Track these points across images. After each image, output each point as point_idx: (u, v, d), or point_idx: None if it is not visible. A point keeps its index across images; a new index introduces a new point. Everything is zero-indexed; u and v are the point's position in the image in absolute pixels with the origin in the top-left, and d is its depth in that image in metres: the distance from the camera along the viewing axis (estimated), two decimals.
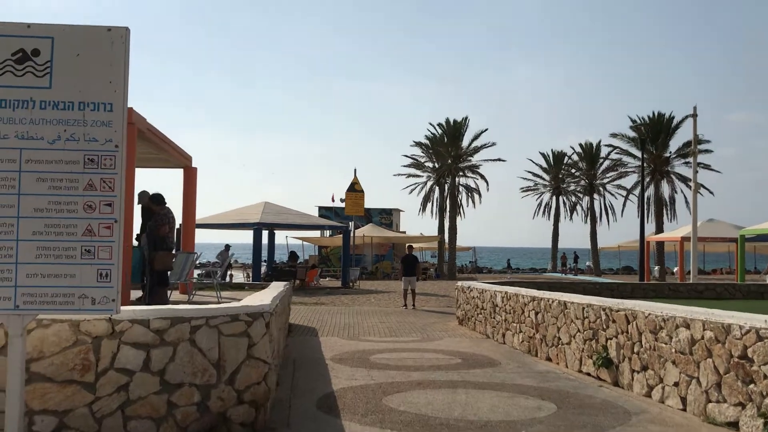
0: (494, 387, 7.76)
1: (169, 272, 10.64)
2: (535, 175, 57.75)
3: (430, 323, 15.18)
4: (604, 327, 8.17)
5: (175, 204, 13.11)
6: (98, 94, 4.35)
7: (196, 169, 13.02)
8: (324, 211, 46.31)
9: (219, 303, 9.26)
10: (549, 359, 9.71)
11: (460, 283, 15.31)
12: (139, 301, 10.70)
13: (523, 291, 11.06)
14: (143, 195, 10.92)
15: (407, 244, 22.26)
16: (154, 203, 10.54)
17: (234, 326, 5.25)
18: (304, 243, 47.53)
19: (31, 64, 4.31)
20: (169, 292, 11.19)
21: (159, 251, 10.25)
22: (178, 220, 12.65)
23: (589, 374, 8.54)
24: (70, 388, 4.75)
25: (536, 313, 10.22)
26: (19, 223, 4.20)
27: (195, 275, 33.53)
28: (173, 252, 10.75)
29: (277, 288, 10.31)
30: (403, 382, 7.99)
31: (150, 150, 11.87)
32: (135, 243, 10.99)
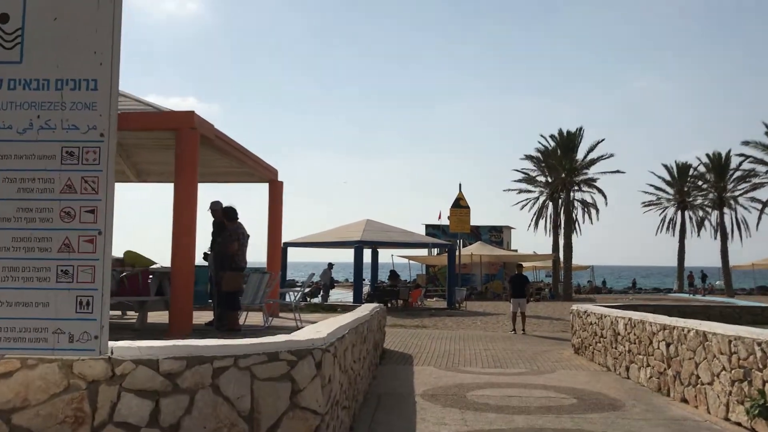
0: None
1: (240, 295, 9.74)
2: (657, 188, 53.95)
3: (541, 351, 13.55)
4: (761, 366, 6.41)
5: (260, 220, 12.33)
6: (80, 69, 3.38)
7: (281, 183, 12.18)
8: (431, 230, 44.96)
9: (299, 328, 8.29)
10: (685, 401, 7.96)
11: (575, 307, 13.60)
12: (208, 326, 9.86)
13: (651, 317, 9.32)
14: (216, 206, 10.10)
15: (517, 263, 20.55)
16: (226, 218, 9.69)
17: (272, 368, 4.10)
18: (411, 262, 46.36)
19: None
20: (242, 314, 10.29)
21: (227, 271, 9.36)
22: (263, 237, 11.86)
23: (739, 424, 6.78)
24: None
25: (667, 345, 8.49)
26: None
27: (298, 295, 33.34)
28: (243, 272, 9.85)
29: (359, 312, 9.17)
30: (504, 429, 6.58)
31: (230, 163, 11.12)
32: (203, 261, 10.23)
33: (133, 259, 10.24)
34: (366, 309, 10.39)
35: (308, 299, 29.50)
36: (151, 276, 10.03)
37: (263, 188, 12.14)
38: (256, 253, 12.16)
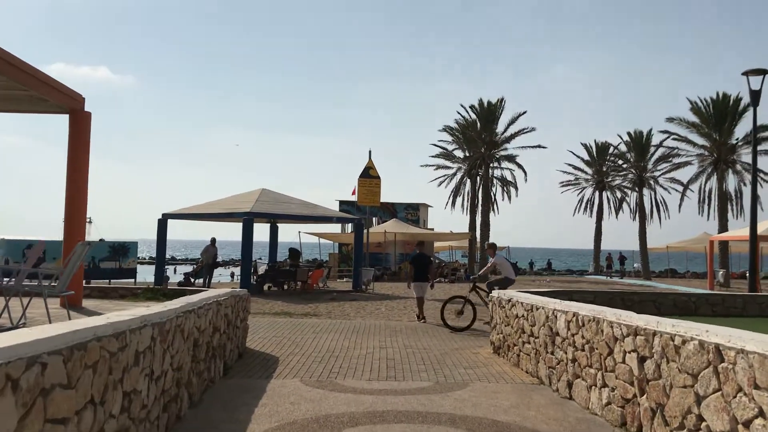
0: None
1: None
2: (576, 168, 52.39)
3: (451, 350, 10.49)
4: None
5: (57, 161, 8.62)
6: None
7: (89, 114, 8.50)
8: (345, 206, 41.66)
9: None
10: None
11: (495, 294, 10.58)
12: None
13: (609, 314, 6.30)
14: None
15: (417, 241, 16.95)
16: None
17: None
18: (321, 240, 42.90)
19: None
20: None
21: None
22: (61, 187, 8.24)
23: None
24: None
25: (641, 359, 5.48)
26: None
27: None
28: None
29: (176, 303, 5.79)
30: None
31: (7, 82, 7.40)
32: None
33: None
34: (200, 296, 6.98)
35: (193, 280, 25.71)
36: None
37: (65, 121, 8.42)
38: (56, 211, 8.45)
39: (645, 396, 5.41)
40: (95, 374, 3.62)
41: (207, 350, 7.05)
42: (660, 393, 5.14)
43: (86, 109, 8.44)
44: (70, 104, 8.21)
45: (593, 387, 6.50)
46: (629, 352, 5.73)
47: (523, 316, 8.87)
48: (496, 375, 8.46)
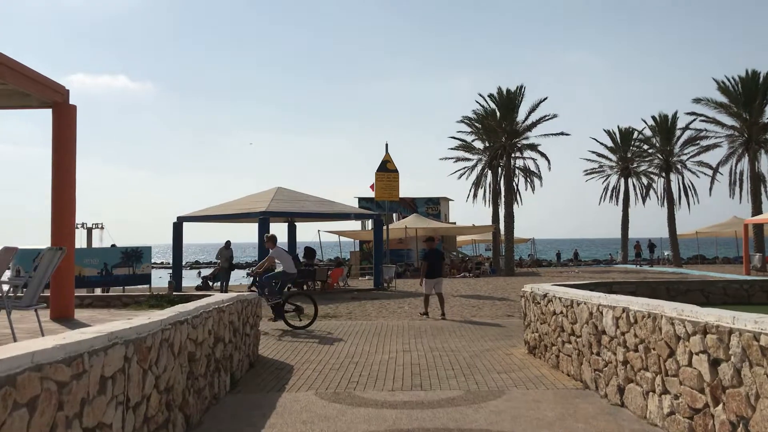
0: None
1: None
2: (600, 155, 51.04)
3: (482, 351, 9.62)
4: None
5: (41, 158, 7.90)
6: None
7: (74, 108, 7.72)
8: (364, 203, 40.85)
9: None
10: None
11: (529, 288, 9.66)
12: None
13: (667, 308, 5.40)
14: None
15: (426, 237, 16.15)
16: None
17: None
18: (342, 238, 42.09)
19: None
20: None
21: None
22: (47, 182, 7.50)
23: None
24: None
25: (713, 363, 4.59)
26: None
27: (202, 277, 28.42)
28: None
29: (171, 312, 5.00)
30: None
31: None
32: None
33: None
34: (205, 302, 6.20)
35: (211, 283, 25.06)
36: None
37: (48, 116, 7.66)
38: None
39: (721, 406, 4.51)
40: (34, 414, 2.82)
41: (208, 364, 6.26)
42: (742, 404, 4.24)
43: (71, 101, 7.69)
44: (52, 97, 7.46)
45: (651, 393, 5.60)
46: (697, 354, 4.83)
47: (561, 312, 7.97)
48: (535, 379, 7.57)
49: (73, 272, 7.71)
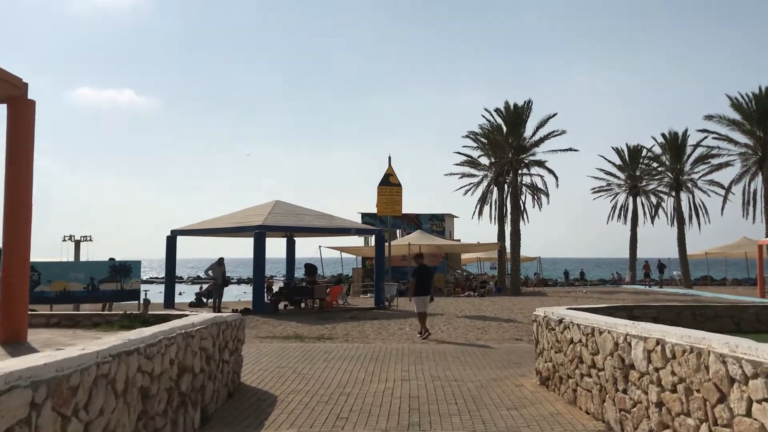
0: None
1: None
2: (607, 173, 50.04)
3: (488, 381, 8.66)
4: None
5: None
6: None
7: (33, 103, 6.84)
8: (368, 218, 39.94)
9: None
10: None
11: (542, 312, 8.70)
12: None
13: (716, 342, 4.48)
14: None
15: (415, 254, 16.43)
16: None
17: None
18: (343, 254, 41.15)
19: None
20: None
21: None
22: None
23: None
24: None
25: None
26: None
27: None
28: None
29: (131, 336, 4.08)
30: None
31: None
32: None
33: None
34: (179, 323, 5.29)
35: (205, 300, 24.12)
36: None
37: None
38: None
39: None
40: None
41: (169, 400, 5.34)
42: None
43: (30, 97, 6.85)
44: (8, 91, 6.62)
45: None
46: (759, 402, 3.90)
47: (580, 341, 7.02)
48: (549, 418, 6.62)
49: (27, 288, 6.82)
